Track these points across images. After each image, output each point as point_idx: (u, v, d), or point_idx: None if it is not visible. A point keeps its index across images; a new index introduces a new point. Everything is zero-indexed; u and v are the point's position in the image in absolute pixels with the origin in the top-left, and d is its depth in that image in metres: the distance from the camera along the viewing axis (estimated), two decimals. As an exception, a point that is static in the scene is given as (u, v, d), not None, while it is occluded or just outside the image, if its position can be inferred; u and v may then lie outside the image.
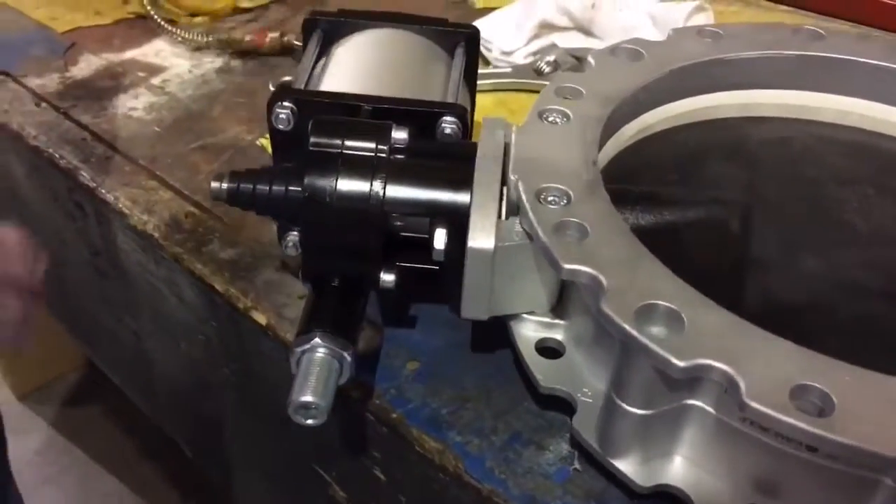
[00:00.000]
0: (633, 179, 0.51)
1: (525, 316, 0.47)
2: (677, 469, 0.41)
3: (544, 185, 0.44)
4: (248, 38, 0.85)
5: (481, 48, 0.83)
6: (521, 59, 0.82)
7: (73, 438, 1.57)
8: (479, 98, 0.78)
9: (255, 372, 0.63)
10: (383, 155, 0.45)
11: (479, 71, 0.81)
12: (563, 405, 0.46)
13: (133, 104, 0.79)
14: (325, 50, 0.60)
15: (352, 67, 0.57)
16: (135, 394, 0.93)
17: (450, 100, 0.54)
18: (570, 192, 0.43)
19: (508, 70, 0.81)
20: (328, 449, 0.59)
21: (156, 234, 0.64)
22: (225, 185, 0.46)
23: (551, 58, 0.80)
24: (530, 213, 0.42)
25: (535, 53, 0.82)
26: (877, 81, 0.56)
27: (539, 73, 0.80)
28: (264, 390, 0.63)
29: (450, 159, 0.46)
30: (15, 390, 1.61)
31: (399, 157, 0.45)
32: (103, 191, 0.69)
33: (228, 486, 0.81)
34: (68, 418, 1.60)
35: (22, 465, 1.04)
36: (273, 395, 0.60)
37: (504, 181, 0.45)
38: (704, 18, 0.79)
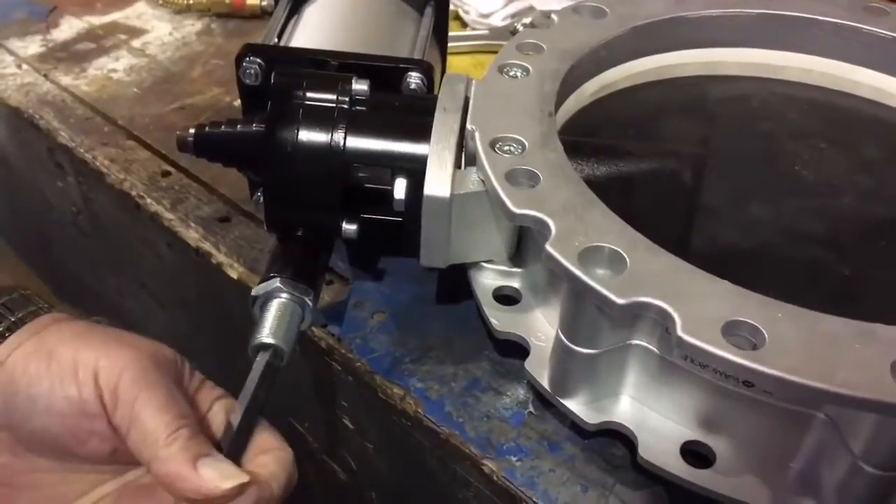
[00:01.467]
0: (591, 134, 0.52)
1: (484, 264, 0.48)
2: (624, 408, 0.42)
3: (500, 135, 0.44)
4: (227, 0, 0.85)
5: (459, 11, 0.84)
6: (498, 21, 0.82)
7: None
8: (457, 60, 0.79)
9: (230, 327, 0.64)
10: (344, 106, 0.46)
11: (457, 33, 0.82)
12: (522, 352, 0.47)
13: (113, 66, 0.80)
14: (295, 9, 0.61)
15: (321, 25, 0.58)
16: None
17: (417, 56, 0.55)
18: (525, 142, 0.44)
19: (485, 32, 0.82)
20: (301, 401, 0.61)
21: (132, 193, 0.65)
22: (191, 131, 0.47)
23: (528, 20, 0.80)
24: (485, 161, 0.43)
25: (512, 16, 0.83)
26: (837, 39, 0.56)
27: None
28: (241, 345, 0.65)
29: (410, 111, 0.47)
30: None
31: (360, 108, 0.46)
32: (82, 150, 0.70)
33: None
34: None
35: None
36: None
37: (463, 133, 0.46)
38: (680, -19, 0.79)
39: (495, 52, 0.80)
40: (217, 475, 0.37)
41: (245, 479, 0.38)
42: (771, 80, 0.57)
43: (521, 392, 0.48)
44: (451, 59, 0.69)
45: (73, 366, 0.39)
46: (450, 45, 0.65)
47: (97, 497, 0.42)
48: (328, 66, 0.52)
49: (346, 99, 0.46)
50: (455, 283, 0.51)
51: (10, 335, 0.41)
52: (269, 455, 0.40)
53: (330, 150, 0.45)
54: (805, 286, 0.43)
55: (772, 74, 0.58)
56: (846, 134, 0.54)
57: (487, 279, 0.48)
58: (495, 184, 0.42)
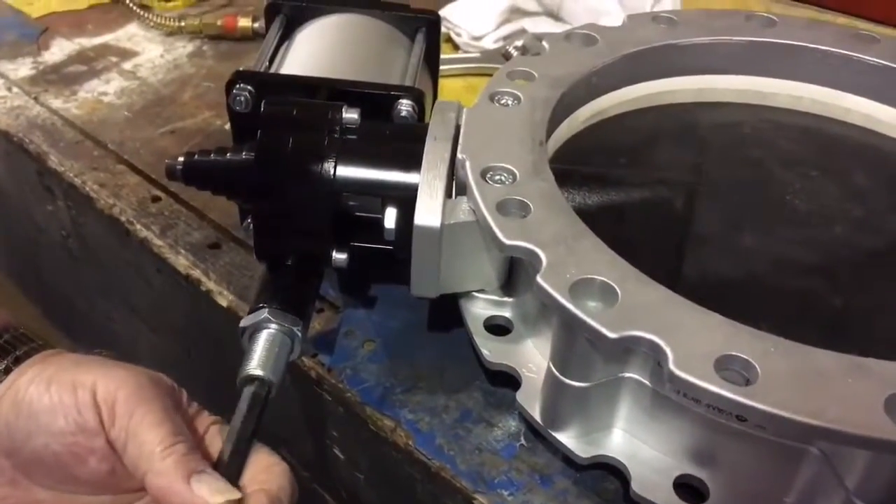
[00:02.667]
0: (583, 162, 0.51)
1: (475, 294, 0.48)
2: (616, 441, 0.42)
3: (491, 165, 0.44)
4: (219, 22, 0.85)
5: (451, 33, 0.84)
6: (490, 43, 0.82)
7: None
8: (449, 83, 0.79)
9: (221, 353, 0.64)
10: (334, 135, 0.46)
11: (449, 56, 0.82)
12: (514, 383, 0.47)
13: (104, 89, 0.80)
14: (287, 34, 0.61)
15: (312, 51, 0.58)
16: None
17: (408, 83, 0.55)
18: (516, 171, 0.44)
19: (477, 55, 0.82)
20: (291, 431, 0.60)
21: (122, 218, 0.65)
22: (180, 160, 0.47)
23: (520, 42, 0.80)
24: (475, 192, 0.43)
25: (504, 38, 0.83)
26: (827, 67, 0.56)
27: (507, 57, 0.80)
28: (232, 371, 0.64)
29: (400, 140, 0.47)
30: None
31: (350, 137, 0.46)
32: (71, 174, 0.69)
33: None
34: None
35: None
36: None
37: (454, 162, 0.46)
38: (671, 4, 0.80)
39: (488, 75, 0.81)
40: (208, 491, 0.38)
41: (237, 495, 0.38)
42: (762, 107, 0.57)
43: (512, 424, 0.48)
44: (442, 82, 0.69)
45: (72, 387, 0.40)
46: (442, 67, 0.65)
47: None
48: (319, 93, 0.52)
49: (336, 128, 0.46)
50: (447, 309, 0.51)
51: (15, 368, 0.42)
52: (271, 472, 0.41)
53: (320, 180, 0.45)
54: (797, 317, 0.43)
55: (763, 101, 0.58)
56: (837, 162, 0.54)
57: (479, 309, 0.48)
58: (486, 214, 0.41)
